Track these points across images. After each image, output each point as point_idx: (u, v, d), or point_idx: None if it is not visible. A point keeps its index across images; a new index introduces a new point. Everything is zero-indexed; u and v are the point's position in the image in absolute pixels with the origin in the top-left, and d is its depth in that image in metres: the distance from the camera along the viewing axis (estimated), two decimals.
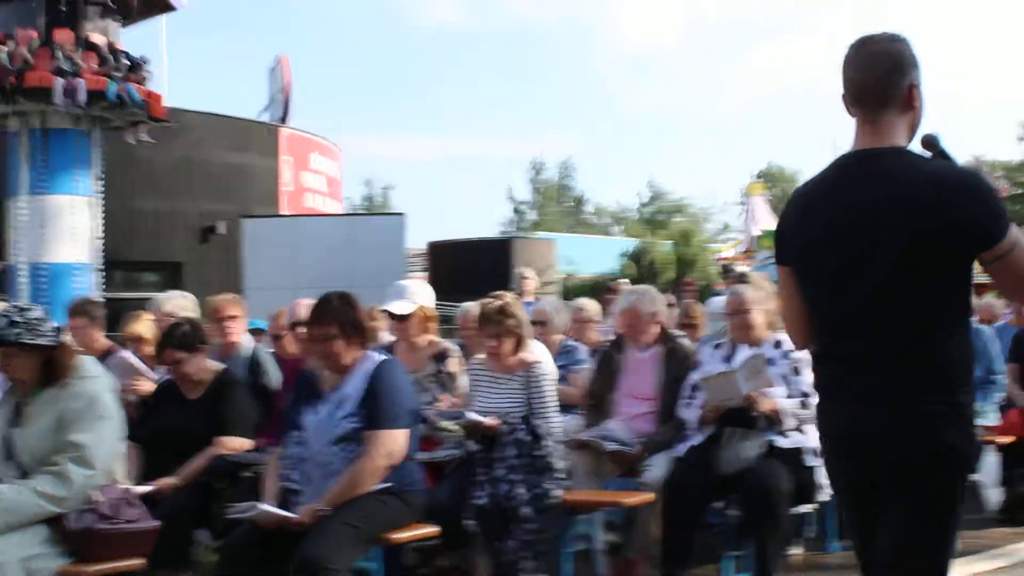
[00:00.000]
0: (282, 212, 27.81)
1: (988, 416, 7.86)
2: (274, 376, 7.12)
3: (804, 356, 6.34)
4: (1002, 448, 8.13)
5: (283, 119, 33.42)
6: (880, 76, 3.17)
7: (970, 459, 3.25)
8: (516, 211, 77.35)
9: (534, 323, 7.65)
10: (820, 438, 3.47)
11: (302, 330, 6.57)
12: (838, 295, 3.19)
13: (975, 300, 8.06)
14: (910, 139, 3.23)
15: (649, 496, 6.05)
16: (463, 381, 6.56)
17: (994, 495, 8.50)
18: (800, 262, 3.33)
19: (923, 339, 3.11)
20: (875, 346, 3.14)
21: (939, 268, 3.06)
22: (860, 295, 3.14)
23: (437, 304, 7.06)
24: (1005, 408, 8.16)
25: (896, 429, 3.11)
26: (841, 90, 3.24)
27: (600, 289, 15.06)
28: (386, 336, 7.20)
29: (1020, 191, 59.96)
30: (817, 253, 3.24)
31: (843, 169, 3.25)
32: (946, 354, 3.12)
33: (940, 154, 3.23)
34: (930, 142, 3.23)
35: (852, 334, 3.19)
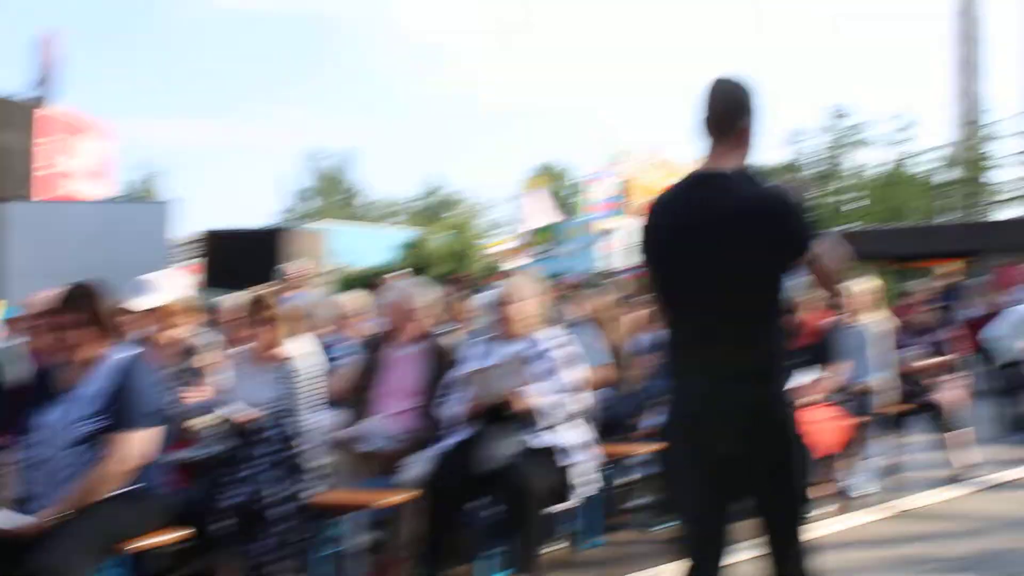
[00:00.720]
0: (39, 196, 26.47)
1: None
2: (18, 370, 6.74)
3: (563, 355, 6.41)
4: None
5: (44, 98, 31.82)
6: (719, 115, 3.87)
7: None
8: (291, 200, 76.31)
9: (296, 318, 7.49)
10: (675, 426, 3.89)
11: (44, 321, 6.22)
12: (686, 286, 3.83)
13: None
14: (740, 164, 3.87)
15: (407, 495, 5.98)
16: (217, 376, 6.35)
17: None
18: (656, 260, 3.95)
19: (759, 321, 3.77)
20: (718, 328, 3.78)
21: (765, 267, 3.75)
22: (705, 287, 3.77)
23: (213, 294, 6.82)
24: None
25: (750, 407, 3.72)
26: (698, 119, 3.91)
27: (374, 282, 14.91)
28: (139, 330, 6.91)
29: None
30: (667, 253, 3.90)
31: (694, 183, 3.91)
32: (775, 337, 3.81)
33: (768, 177, 3.94)
34: (764, 173, 3.92)
35: (706, 315, 3.79)
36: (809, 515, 3.89)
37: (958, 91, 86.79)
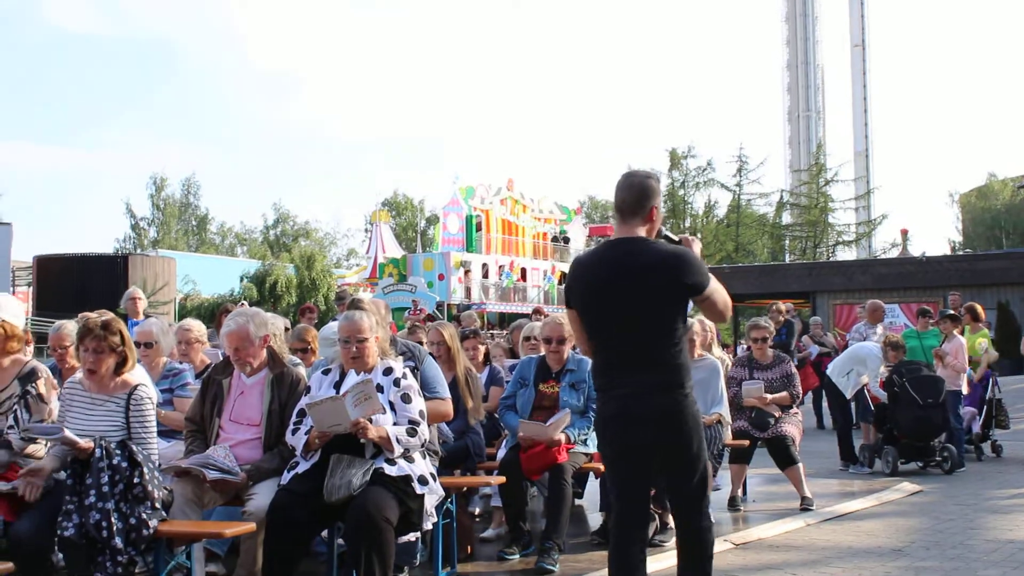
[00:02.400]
0: None
1: (589, 444, 8.15)
2: None
3: (414, 384, 6.36)
4: (600, 474, 8.47)
5: None
6: (635, 199, 5.19)
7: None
8: (135, 227, 74.51)
9: (139, 344, 7.28)
10: (607, 427, 5.17)
11: None
12: (611, 322, 5.14)
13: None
14: (649, 234, 5.21)
15: (251, 526, 5.83)
16: (54, 403, 6.11)
17: (594, 519, 8.87)
18: (583, 305, 5.26)
19: (665, 348, 5.06)
20: (640, 355, 5.08)
21: (670, 306, 5.08)
22: (626, 323, 5.09)
23: (42, 321, 6.56)
24: None
25: (662, 410, 5.02)
26: (612, 201, 5.32)
27: (219, 310, 14.63)
28: None
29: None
30: (595, 299, 5.19)
31: (610, 247, 5.24)
32: (681, 360, 5.11)
33: (667, 239, 5.23)
34: (661, 234, 5.23)
35: (624, 348, 5.10)
36: (708, 490, 5.23)
37: (793, 136, 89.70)
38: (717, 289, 5.10)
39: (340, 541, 6.31)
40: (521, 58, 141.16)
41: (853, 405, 13.72)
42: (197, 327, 8.41)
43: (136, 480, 5.51)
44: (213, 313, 16.70)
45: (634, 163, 70.08)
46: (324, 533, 6.37)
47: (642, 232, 5.17)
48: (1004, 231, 68.22)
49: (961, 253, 60.94)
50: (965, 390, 13.77)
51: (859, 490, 11.18)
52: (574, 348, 8.20)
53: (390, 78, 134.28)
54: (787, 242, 65.42)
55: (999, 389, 14.78)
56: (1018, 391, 17.66)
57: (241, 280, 46.96)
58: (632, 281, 5.04)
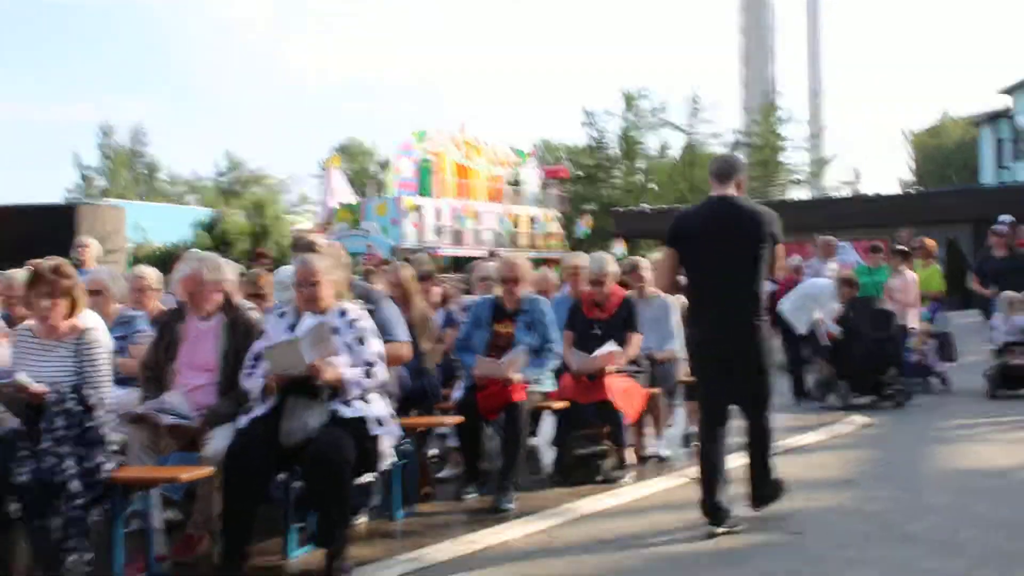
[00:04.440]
0: None
1: (545, 383, 8.21)
2: None
3: (370, 326, 6.36)
4: (557, 412, 8.54)
5: None
6: (730, 170, 6.86)
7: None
8: (84, 177, 73.51)
9: (91, 292, 7.22)
10: (701, 343, 6.89)
11: None
12: (715, 263, 6.65)
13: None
14: (741, 194, 6.83)
15: (208, 470, 5.83)
16: (3, 351, 6.07)
17: (549, 457, 8.95)
18: (688, 249, 6.75)
19: (751, 284, 6.65)
20: (734, 287, 6.64)
21: (759, 254, 6.61)
22: (726, 266, 6.62)
23: None
24: (559, 374, 8.55)
25: (746, 330, 6.64)
26: (709, 170, 7.02)
27: (171, 259, 14.51)
28: None
29: (582, 174, 63.74)
30: (700, 243, 6.69)
31: (712, 202, 6.84)
32: (761, 294, 6.68)
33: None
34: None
35: (722, 285, 6.67)
36: (772, 396, 6.94)
37: (747, 76, 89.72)
38: (782, 247, 6.85)
39: (298, 484, 6.33)
40: (473, 1, 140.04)
41: (805, 341, 13.85)
42: (150, 274, 8.35)
43: (90, 424, 5.50)
44: (165, 262, 16.54)
45: (588, 105, 69.78)
46: (282, 476, 6.38)
47: (734, 192, 6.76)
48: (954, 169, 68.72)
49: (912, 191, 61.41)
50: (915, 325, 13.95)
51: (811, 424, 11.34)
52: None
53: (341, 23, 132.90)
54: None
55: (948, 323, 14.99)
56: (966, 325, 17.88)
57: (193, 228, 46.55)
58: (726, 231, 6.64)
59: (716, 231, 6.65)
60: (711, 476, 6.71)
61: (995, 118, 48.71)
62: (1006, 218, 19.83)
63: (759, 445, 6.94)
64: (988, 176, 49.20)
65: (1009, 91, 45.63)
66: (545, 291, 9.78)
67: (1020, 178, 44.12)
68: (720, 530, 6.63)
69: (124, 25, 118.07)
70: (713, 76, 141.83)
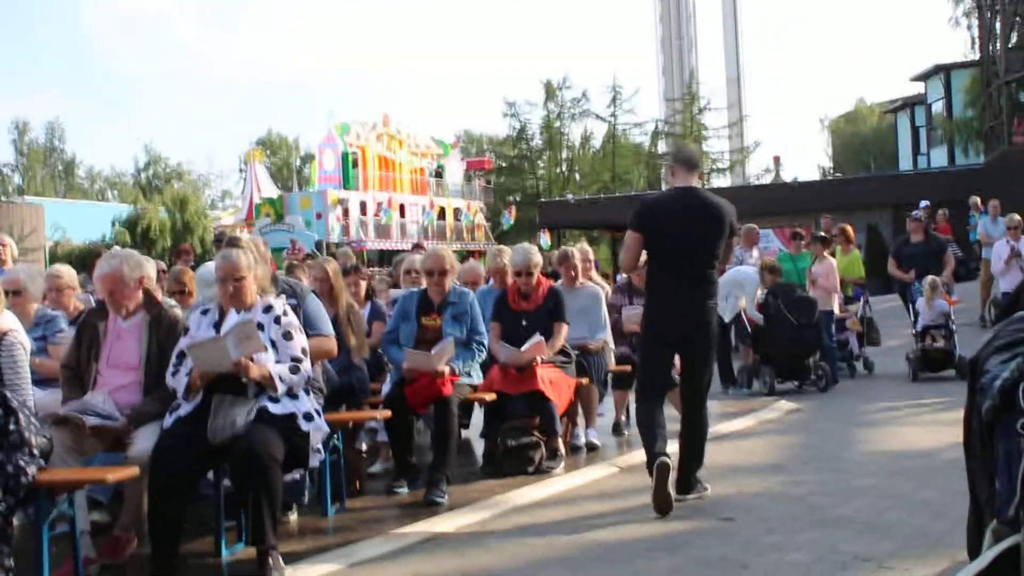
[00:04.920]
0: None
1: (474, 375, 8.19)
2: None
3: (295, 322, 6.30)
4: (486, 404, 8.52)
5: None
6: (695, 162, 7.47)
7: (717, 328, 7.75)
8: (6, 172, 72.12)
9: (7, 292, 7.07)
10: (655, 321, 7.34)
11: None
12: (677, 249, 7.11)
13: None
14: (700, 185, 7.53)
15: (134, 470, 5.73)
16: None
17: (480, 449, 8.93)
18: (653, 234, 7.17)
19: (710, 271, 7.20)
20: (693, 272, 7.13)
21: (718, 242, 7.17)
22: (687, 252, 7.11)
23: None
24: (487, 366, 8.54)
25: (700, 313, 7.14)
26: (671, 162, 7.75)
27: (91, 257, 14.28)
28: None
29: (505, 164, 63.81)
30: (665, 229, 7.15)
31: (678, 192, 7.35)
32: (715, 280, 7.34)
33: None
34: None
35: (682, 269, 7.13)
36: (708, 387, 7.50)
37: (667, 65, 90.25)
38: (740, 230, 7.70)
39: (227, 482, 6.25)
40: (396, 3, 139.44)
41: (731, 328, 13.98)
42: (67, 272, 8.20)
43: (11, 427, 5.36)
44: (85, 260, 16.27)
45: (509, 95, 69.83)
46: (210, 475, 6.30)
47: (697, 183, 7.37)
48: (872, 156, 69.81)
49: (831, 178, 62.25)
50: (836, 310, 14.14)
51: (738, 410, 11.45)
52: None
53: (259, 17, 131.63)
54: (663, 171, 66.01)
55: (870, 308, 15.22)
56: (888, 309, 18.19)
57: (113, 225, 45.88)
58: (690, 218, 7.10)
59: (680, 219, 7.12)
60: (654, 436, 7.09)
61: (910, 105, 49.56)
62: (924, 203, 20.17)
63: (695, 430, 7.37)
64: (906, 162, 50.06)
65: (922, 78, 46.42)
66: (474, 283, 9.76)
67: (937, 164, 44.95)
68: (688, 496, 7.22)
69: (37, 18, 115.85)
70: (633, 65, 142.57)
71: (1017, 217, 15.80)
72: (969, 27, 40.02)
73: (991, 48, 33.39)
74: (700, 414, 7.38)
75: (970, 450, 3.84)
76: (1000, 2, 32.70)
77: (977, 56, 36.79)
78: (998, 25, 32.90)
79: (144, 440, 5.94)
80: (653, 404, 7.29)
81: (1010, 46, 32.53)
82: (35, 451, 5.43)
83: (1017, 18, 32.96)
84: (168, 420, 6.00)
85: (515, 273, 8.91)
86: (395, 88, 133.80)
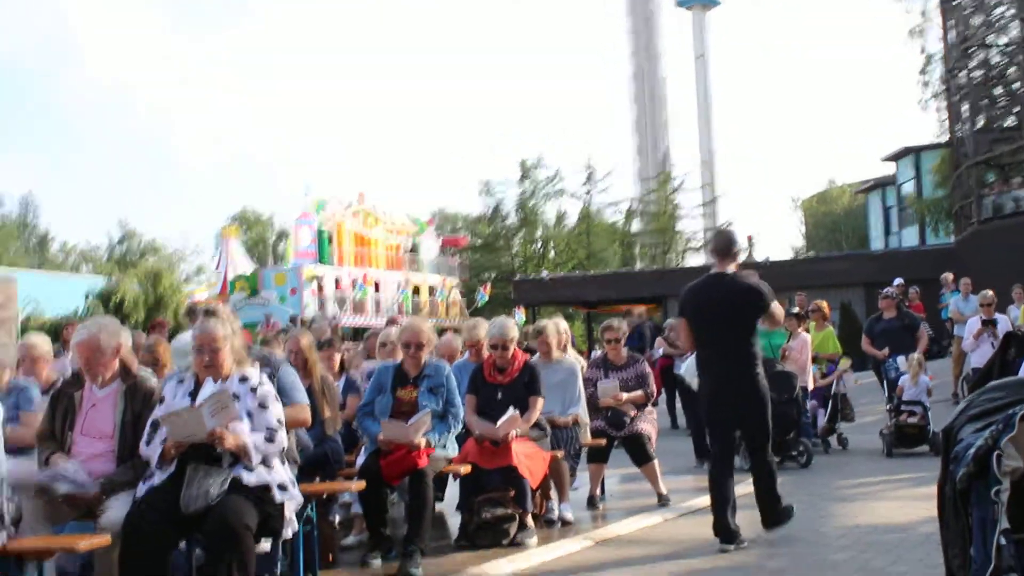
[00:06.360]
0: None
1: (449, 448, 8.16)
2: None
3: (271, 391, 6.29)
4: (459, 477, 8.49)
5: None
6: (728, 248, 8.39)
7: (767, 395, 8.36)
8: None
9: None
10: (711, 404, 8.34)
11: None
12: (715, 331, 8.18)
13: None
14: (736, 269, 8.34)
15: (105, 539, 5.67)
16: None
17: (455, 522, 8.87)
18: (695, 317, 8.29)
19: (746, 345, 8.16)
20: (730, 349, 8.16)
21: (753, 322, 8.21)
22: (723, 329, 8.14)
23: None
24: (462, 438, 8.52)
25: (748, 389, 8.13)
26: (710, 247, 8.88)
27: (62, 329, 14.25)
28: None
29: (479, 241, 64.06)
30: (704, 313, 8.23)
31: (713, 278, 8.31)
32: (756, 351, 8.26)
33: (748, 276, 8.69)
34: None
35: (723, 346, 8.18)
36: (769, 439, 8.35)
37: (641, 145, 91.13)
38: (775, 306, 8.28)
39: (199, 553, 6.19)
40: (370, 71, 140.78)
41: None
42: (42, 342, 8.18)
43: None
44: (56, 332, 16.22)
45: (486, 175, 70.29)
46: (182, 545, 6.24)
47: (729, 268, 8.27)
48: (844, 235, 70.43)
49: (803, 256, 62.70)
50: (810, 385, 14.19)
51: None
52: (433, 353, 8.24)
53: (238, 91, 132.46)
54: (637, 249, 66.43)
55: (844, 384, 15.27)
56: (861, 386, 18.27)
57: (86, 298, 45.71)
58: (725, 301, 8.11)
59: (716, 304, 8.16)
60: (721, 501, 8.05)
61: (881, 186, 50.14)
62: (898, 281, 20.36)
63: (764, 476, 8.30)
64: (877, 242, 50.53)
65: (893, 159, 47.02)
66: (450, 356, 9.77)
67: (908, 244, 45.40)
68: (731, 547, 7.90)
69: (7, 88, 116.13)
70: (609, 146, 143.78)
71: (990, 293, 15.94)
72: (938, 109, 40.60)
73: (959, 130, 33.91)
74: (765, 461, 8.33)
75: (944, 519, 3.86)
76: (967, 86, 33.22)
77: (946, 138, 37.33)
78: (966, 108, 33.41)
79: (117, 509, 5.90)
80: (724, 465, 8.24)
81: (977, 128, 33.01)
82: (5, 519, 5.38)
83: (984, 101, 33.46)
84: (141, 489, 5.96)
85: (491, 346, 8.93)
86: (371, 166, 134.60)
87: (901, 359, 14.21)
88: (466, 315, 51.84)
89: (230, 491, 5.81)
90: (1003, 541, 3.39)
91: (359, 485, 7.70)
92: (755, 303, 8.16)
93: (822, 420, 14.62)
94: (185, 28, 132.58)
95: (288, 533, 6.24)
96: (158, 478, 5.96)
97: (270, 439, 6.08)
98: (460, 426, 8.32)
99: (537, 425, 8.90)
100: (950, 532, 3.80)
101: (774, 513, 8.32)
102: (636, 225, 66.77)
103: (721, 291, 8.18)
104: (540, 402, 8.88)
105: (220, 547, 5.67)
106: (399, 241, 55.75)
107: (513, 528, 8.24)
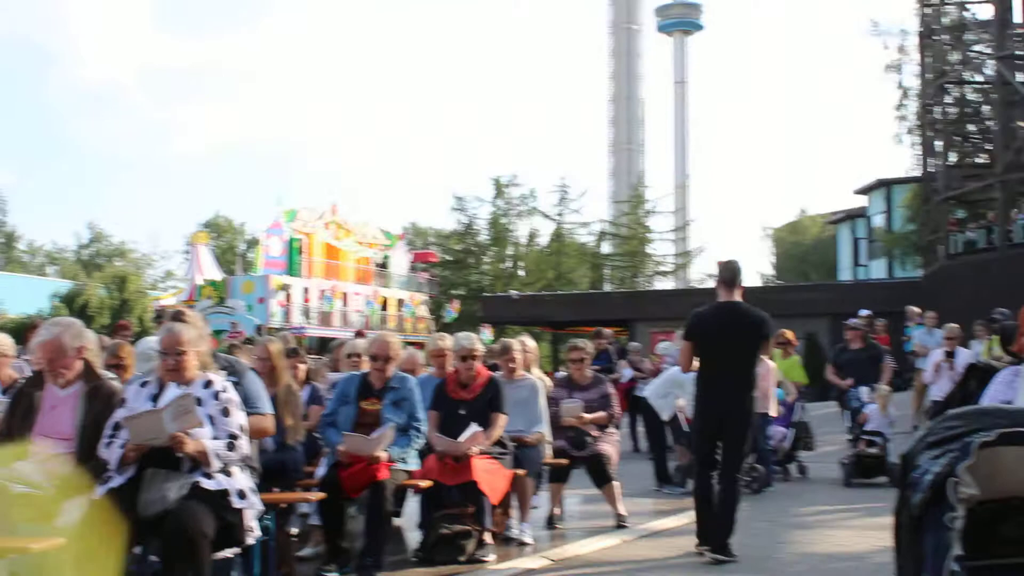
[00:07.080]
0: None
1: (409, 462, 8.15)
2: None
3: (235, 398, 6.27)
4: (420, 492, 8.47)
5: None
6: (734, 277, 8.91)
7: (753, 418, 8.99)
8: None
9: None
10: (699, 407, 8.86)
11: None
12: (719, 355, 8.69)
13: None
14: (742, 298, 8.88)
15: (60, 540, 5.63)
16: None
17: (414, 537, 8.86)
18: (702, 342, 8.76)
19: (750, 369, 8.74)
20: (734, 373, 8.66)
21: (755, 349, 8.82)
22: (729, 355, 8.69)
23: None
24: (424, 453, 8.50)
25: (736, 402, 8.58)
26: (718, 278, 9.08)
27: (25, 330, 14.13)
28: None
29: (451, 258, 64.01)
30: (710, 339, 8.75)
31: (723, 305, 8.84)
32: (755, 377, 8.84)
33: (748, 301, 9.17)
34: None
35: (725, 368, 8.67)
36: (743, 459, 8.74)
37: (616, 167, 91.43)
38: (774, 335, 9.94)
39: (154, 557, 6.15)
40: (347, 83, 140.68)
41: (668, 427, 14.04)
42: (4, 341, 8.12)
43: None
44: (19, 333, 16.10)
45: (458, 191, 70.23)
46: (140, 547, 6.20)
47: (735, 298, 8.82)
48: (812, 265, 70.82)
49: (772, 285, 63.03)
50: (773, 412, 14.25)
51: (673, 508, 11.46)
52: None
53: (212, 96, 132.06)
54: (607, 271, 66.57)
55: (806, 412, 15.35)
56: (823, 416, 18.38)
57: (51, 300, 45.40)
58: (730, 329, 8.69)
59: (721, 331, 8.73)
60: (704, 507, 8.55)
61: (852, 217, 50.48)
62: (864, 312, 20.49)
63: (729, 498, 8.49)
64: (846, 273, 50.85)
65: (864, 191, 47.38)
66: (412, 371, 9.77)
67: (876, 276, 45.71)
68: (721, 557, 8.25)
69: None
70: (584, 166, 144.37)
71: (955, 326, 16.07)
72: (913, 144, 40.98)
73: (931, 165, 34.21)
74: (733, 488, 8.51)
75: (899, 544, 3.90)
76: (941, 122, 33.55)
77: (920, 172, 37.65)
78: (939, 144, 33.72)
79: (73, 511, 5.85)
80: (706, 473, 8.66)
81: (949, 164, 33.33)
82: None
83: (957, 137, 33.80)
84: (99, 491, 5.92)
85: (459, 357, 8.95)
86: (345, 178, 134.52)
87: (864, 390, 14.32)
88: (434, 331, 51.78)
89: (189, 496, 5.79)
90: (955, 567, 3.42)
91: (318, 496, 7.68)
92: (764, 334, 8.84)
93: (787, 444, 14.68)
94: (167, 32, 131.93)
95: (250, 540, 6.21)
96: (116, 481, 5.92)
97: (231, 446, 6.06)
98: (423, 440, 8.31)
99: (500, 443, 8.91)
100: (903, 558, 3.84)
101: (724, 538, 8.36)
102: (607, 247, 66.94)
103: (732, 319, 8.76)
104: (503, 419, 8.89)
105: (175, 553, 5.64)
106: (370, 254, 55.62)
107: (471, 545, 8.24)
